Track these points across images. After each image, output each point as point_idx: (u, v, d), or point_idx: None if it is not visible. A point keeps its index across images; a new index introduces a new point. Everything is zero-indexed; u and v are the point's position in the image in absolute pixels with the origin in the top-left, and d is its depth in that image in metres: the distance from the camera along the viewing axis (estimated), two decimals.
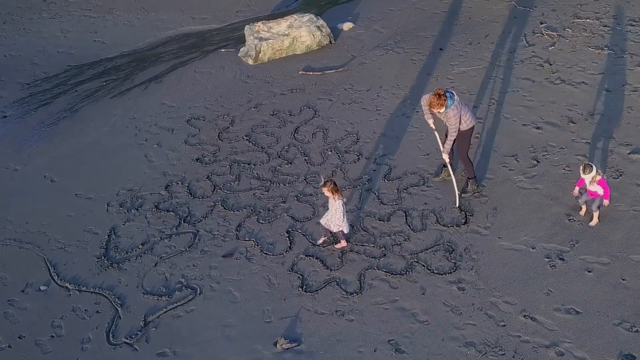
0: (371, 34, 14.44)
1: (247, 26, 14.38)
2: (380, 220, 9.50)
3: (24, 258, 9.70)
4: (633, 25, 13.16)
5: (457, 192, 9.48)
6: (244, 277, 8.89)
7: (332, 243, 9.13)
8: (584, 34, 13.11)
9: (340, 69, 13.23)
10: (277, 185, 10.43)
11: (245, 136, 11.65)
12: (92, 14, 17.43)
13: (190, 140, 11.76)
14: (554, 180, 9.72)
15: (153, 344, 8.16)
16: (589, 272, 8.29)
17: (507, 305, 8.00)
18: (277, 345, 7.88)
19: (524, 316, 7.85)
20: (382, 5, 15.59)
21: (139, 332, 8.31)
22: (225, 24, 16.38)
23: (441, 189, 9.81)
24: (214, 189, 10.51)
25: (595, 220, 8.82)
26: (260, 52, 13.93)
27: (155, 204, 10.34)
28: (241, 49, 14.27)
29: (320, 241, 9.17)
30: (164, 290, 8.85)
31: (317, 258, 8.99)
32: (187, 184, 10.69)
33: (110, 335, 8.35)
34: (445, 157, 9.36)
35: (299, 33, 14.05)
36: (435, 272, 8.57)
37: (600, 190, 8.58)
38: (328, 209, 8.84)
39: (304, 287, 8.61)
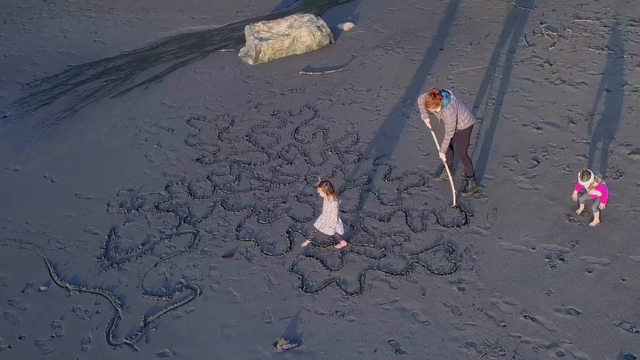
0: (371, 34, 14.44)
1: (247, 26, 14.38)
2: (380, 220, 9.50)
3: (24, 258, 9.70)
4: (633, 26, 13.16)
5: (454, 191, 9.48)
6: (244, 278, 8.89)
7: (332, 243, 9.13)
8: (584, 34, 13.10)
9: (340, 69, 13.23)
10: (277, 185, 10.43)
11: (246, 136, 11.65)
12: (92, 14, 17.43)
13: (190, 141, 11.76)
14: (554, 180, 9.72)
15: (153, 344, 8.16)
16: (589, 272, 8.29)
17: (508, 306, 8.00)
18: (277, 345, 7.88)
19: (524, 316, 7.84)
20: (382, 5, 15.59)
21: (139, 333, 8.31)
22: (225, 24, 16.38)
23: (441, 190, 9.81)
24: (214, 189, 10.51)
25: (595, 221, 8.82)
26: (260, 52, 13.93)
27: (156, 204, 10.34)
28: (241, 49, 14.27)
29: (305, 244, 9.13)
30: (164, 291, 8.85)
31: (317, 258, 8.99)
32: (187, 184, 10.68)
33: (110, 335, 8.35)
34: (442, 157, 9.37)
35: (299, 33, 14.05)
36: (436, 272, 8.57)
37: (600, 193, 8.61)
38: (322, 211, 8.85)
39: (304, 287, 8.60)
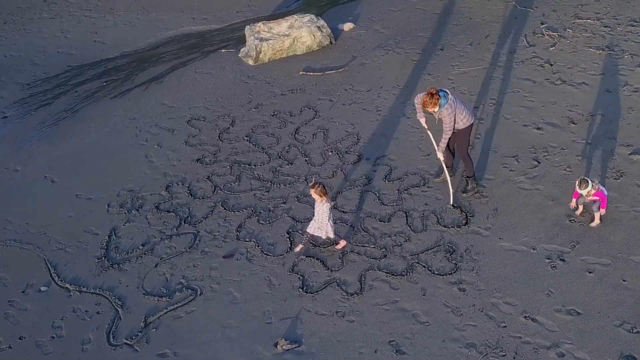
0: (372, 34, 14.44)
1: (248, 26, 14.38)
2: (380, 221, 9.49)
3: (25, 259, 9.70)
4: (634, 26, 13.16)
5: (451, 190, 9.49)
6: (244, 278, 8.89)
7: (333, 244, 9.13)
8: (585, 34, 13.10)
9: (340, 70, 13.22)
10: (278, 185, 10.43)
11: (246, 137, 11.65)
12: (92, 14, 17.43)
13: (190, 141, 11.75)
14: (554, 181, 9.72)
15: (153, 344, 8.16)
16: (589, 273, 8.28)
17: (508, 306, 8.00)
18: (278, 346, 7.88)
19: (525, 317, 7.84)
20: (382, 5, 15.59)
21: (139, 333, 8.31)
22: (225, 24, 16.37)
23: (442, 190, 9.80)
24: (215, 190, 10.51)
25: (596, 221, 8.82)
26: (260, 53, 13.93)
27: (156, 204, 10.34)
28: (242, 50, 14.26)
29: (298, 249, 9.11)
30: (165, 291, 8.85)
31: (317, 259, 8.99)
32: (187, 185, 10.68)
33: (111, 336, 8.35)
34: (440, 156, 9.37)
35: (300, 33, 14.05)
36: (436, 273, 8.57)
37: (598, 198, 8.64)
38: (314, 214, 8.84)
39: (305, 288, 8.60)
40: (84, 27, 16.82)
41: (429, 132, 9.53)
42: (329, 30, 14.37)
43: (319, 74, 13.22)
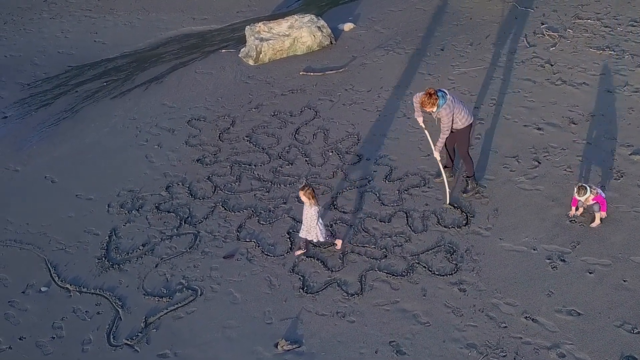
0: (372, 34, 14.43)
1: (248, 27, 14.38)
2: (381, 221, 9.49)
3: (25, 259, 9.69)
4: (634, 26, 13.16)
5: (447, 190, 9.49)
6: (244, 279, 8.88)
7: (333, 244, 9.12)
8: (585, 34, 13.10)
9: (341, 70, 13.22)
10: (278, 186, 10.42)
11: (246, 137, 11.65)
12: (92, 14, 17.43)
13: (190, 141, 11.75)
14: (555, 181, 9.71)
15: (154, 345, 8.16)
16: (590, 273, 8.28)
17: (509, 307, 7.99)
18: (278, 346, 7.88)
19: (525, 317, 7.84)
20: (383, 5, 15.59)
21: (139, 334, 8.31)
22: (225, 24, 16.38)
23: (442, 190, 9.80)
24: (215, 190, 10.50)
25: (596, 222, 8.82)
26: (261, 53, 13.93)
27: (156, 204, 10.33)
28: (242, 50, 14.26)
29: (298, 253, 9.09)
30: (165, 292, 8.84)
31: (318, 259, 8.98)
32: (187, 185, 10.68)
33: (111, 336, 8.34)
34: (437, 156, 9.37)
35: (300, 34, 14.05)
36: (437, 273, 8.56)
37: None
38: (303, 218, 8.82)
39: (305, 288, 8.60)
40: (84, 27, 16.82)
41: (425, 131, 9.53)
42: (329, 31, 14.38)
43: (319, 74, 13.21)
